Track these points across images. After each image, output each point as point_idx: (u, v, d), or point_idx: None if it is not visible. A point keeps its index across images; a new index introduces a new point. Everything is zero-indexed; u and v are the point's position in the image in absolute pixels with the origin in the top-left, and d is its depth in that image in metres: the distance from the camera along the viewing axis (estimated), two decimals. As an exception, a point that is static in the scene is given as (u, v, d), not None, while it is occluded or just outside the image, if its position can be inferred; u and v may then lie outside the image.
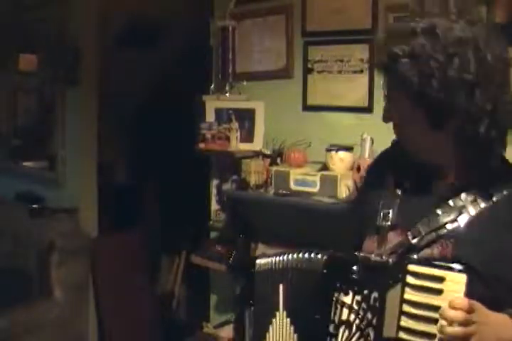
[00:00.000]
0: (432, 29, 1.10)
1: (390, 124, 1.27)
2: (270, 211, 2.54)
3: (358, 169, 2.17)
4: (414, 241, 1.19)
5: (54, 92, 3.51)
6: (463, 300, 1.03)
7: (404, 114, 1.18)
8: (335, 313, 1.16)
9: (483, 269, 1.10)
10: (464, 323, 1.02)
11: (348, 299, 1.15)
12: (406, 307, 1.08)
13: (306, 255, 1.24)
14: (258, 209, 2.59)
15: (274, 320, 1.27)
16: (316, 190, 2.23)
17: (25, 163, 3.89)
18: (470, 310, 1.02)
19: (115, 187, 4.07)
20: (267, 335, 1.28)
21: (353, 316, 1.14)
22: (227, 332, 2.55)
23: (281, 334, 1.25)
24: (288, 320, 1.24)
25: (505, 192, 1.17)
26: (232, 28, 2.65)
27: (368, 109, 2.28)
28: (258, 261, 1.32)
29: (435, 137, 1.18)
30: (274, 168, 2.39)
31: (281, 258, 1.28)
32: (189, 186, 3.62)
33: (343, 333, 1.15)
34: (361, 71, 2.30)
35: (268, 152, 2.52)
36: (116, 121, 4.11)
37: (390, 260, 1.16)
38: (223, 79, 2.68)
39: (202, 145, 2.63)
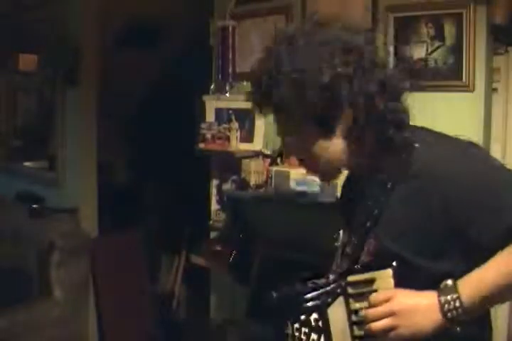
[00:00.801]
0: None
1: None
2: (270, 211, 2.54)
3: (358, 169, 2.17)
4: (350, 251, 1.25)
5: (54, 92, 3.51)
6: (375, 296, 1.09)
7: (302, 135, 1.19)
8: None
9: (399, 248, 1.13)
10: (382, 317, 1.07)
11: (289, 330, 1.22)
12: (354, 317, 1.14)
13: (274, 295, 1.29)
14: (258, 209, 2.59)
15: None
16: (316, 190, 2.23)
17: (25, 163, 3.89)
18: (384, 302, 1.07)
19: (115, 187, 4.07)
20: None
21: None
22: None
23: None
24: None
25: (408, 162, 1.17)
26: (232, 28, 2.65)
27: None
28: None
29: (332, 143, 1.19)
30: (274, 168, 2.39)
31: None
32: (189, 186, 3.62)
33: None
34: (361, 71, 2.30)
35: (268, 152, 2.52)
36: (116, 121, 4.11)
37: (330, 277, 1.22)
38: (223, 79, 2.68)
39: (202, 145, 2.64)
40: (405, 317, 1.06)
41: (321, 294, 1.19)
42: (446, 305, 1.05)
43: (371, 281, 1.11)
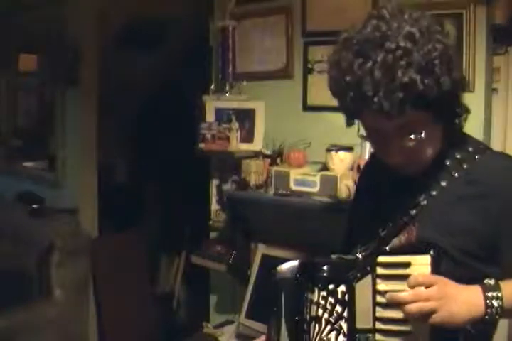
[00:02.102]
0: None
1: (357, 134, 1.28)
2: (270, 211, 2.54)
3: (358, 169, 2.17)
4: (383, 233, 1.24)
5: (54, 92, 3.51)
6: (415, 278, 1.07)
7: (416, 127, 1.15)
8: (306, 312, 1.21)
9: (449, 246, 1.14)
10: (421, 300, 1.05)
11: (314, 296, 1.19)
12: (379, 298, 1.12)
13: (288, 265, 1.30)
14: (258, 209, 2.59)
15: (282, 327, 1.31)
16: (316, 190, 2.23)
17: (25, 163, 3.89)
18: (428, 285, 1.06)
19: (115, 187, 4.07)
20: None
21: (321, 311, 1.18)
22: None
23: None
24: (284, 326, 1.29)
25: (465, 167, 1.20)
26: (232, 28, 2.64)
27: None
28: (278, 275, 1.36)
29: (437, 131, 1.19)
30: (274, 168, 2.38)
31: (285, 267, 1.33)
32: (189, 186, 3.62)
33: (313, 328, 1.19)
34: (361, 71, 2.30)
35: (268, 152, 2.52)
36: (116, 121, 4.11)
37: (360, 256, 1.21)
38: (223, 79, 2.68)
39: (202, 145, 2.63)
40: (446, 305, 1.05)
41: (351, 268, 1.17)
42: (489, 301, 1.07)
43: (406, 265, 1.10)
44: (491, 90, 2.12)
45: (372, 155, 1.47)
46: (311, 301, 1.19)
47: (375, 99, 1.07)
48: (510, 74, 2.12)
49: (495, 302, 1.07)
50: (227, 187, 2.70)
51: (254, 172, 2.47)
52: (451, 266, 1.12)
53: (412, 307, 1.05)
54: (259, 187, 2.45)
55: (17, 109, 4.00)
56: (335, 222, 2.27)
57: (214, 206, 2.83)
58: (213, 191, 2.83)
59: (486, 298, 1.07)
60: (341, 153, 2.24)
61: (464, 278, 1.12)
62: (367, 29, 1.11)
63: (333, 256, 1.25)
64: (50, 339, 2.96)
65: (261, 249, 2.51)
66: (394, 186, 1.29)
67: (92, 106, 3.42)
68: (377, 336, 1.12)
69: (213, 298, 2.94)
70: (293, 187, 2.29)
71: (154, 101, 4.19)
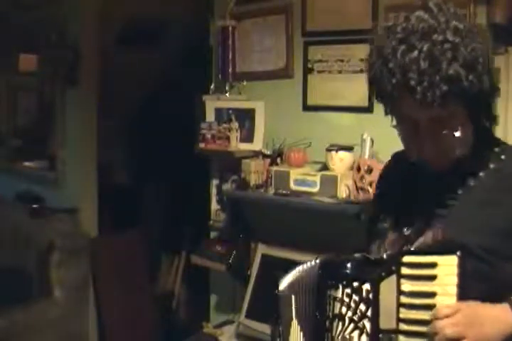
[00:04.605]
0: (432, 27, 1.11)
1: (390, 124, 1.26)
2: (270, 211, 2.54)
3: (358, 169, 2.17)
4: (407, 232, 1.22)
5: (54, 92, 3.51)
6: (442, 309, 1.05)
7: (451, 121, 1.14)
8: (329, 309, 1.19)
9: (475, 246, 1.12)
10: (450, 327, 1.03)
11: (338, 293, 1.18)
12: (404, 299, 1.10)
13: (308, 263, 1.29)
14: (258, 209, 2.59)
15: (291, 330, 1.31)
16: (316, 190, 2.23)
17: (25, 163, 3.89)
18: (454, 313, 1.04)
19: (115, 187, 4.07)
20: None
21: (344, 309, 1.17)
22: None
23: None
24: (299, 327, 1.28)
25: (491, 166, 1.20)
26: (232, 28, 2.65)
27: (368, 109, 2.28)
28: (280, 287, 1.36)
29: (470, 131, 1.19)
30: (274, 168, 2.38)
31: (292, 273, 1.34)
32: (189, 186, 3.62)
33: (336, 326, 1.17)
34: (361, 71, 2.30)
35: (268, 152, 2.52)
36: (116, 121, 4.11)
37: (385, 255, 1.19)
38: (223, 79, 2.68)
39: (202, 145, 2.63)
40: (475, 328, 1.04)
41: (375, 267, 1.15)
42: None
43: (432, 265, 1.08)
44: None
45: (393, 157, 1.45)
46: (335, 298, 1.18)
47: (419, 89, 1.07)
48: (510, 74, 2.12)
49: None
50: (227, 187, 2.70)
51: (254, 172, 2.47)
52: (478, 265, 1.11)
53: (442, 335, 1.04)
54: (259, 187, 2.45)
55: (17, 108, 4.00)
56: (335, 222, 2.28)
57: (214, 206, 2.83)
58: (213, 191, 2.83)
59: None
60: (341, 153, 2.23)
61: (491, 278, 1.11)
62: (412, 20, 1.12)
63: (357, 255, 1.24)
64: (50, 339, 2.96)
65: (261, 249, 2.51)
66: (419, 186, 1.28)
67: (92, 106, 3.42)
68: (401, 337, 1.10)
69: (213, 298, 2.94)
70: (293, 187, 2.29)
71: (154, 101, 4.19)
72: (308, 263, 1.29)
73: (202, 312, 3.03)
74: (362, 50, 2.29)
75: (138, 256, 3.59)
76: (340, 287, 1.17)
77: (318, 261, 1.26)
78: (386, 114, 1.23)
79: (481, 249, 1.13)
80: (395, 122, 1.21)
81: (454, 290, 1.06)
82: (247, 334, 2.43)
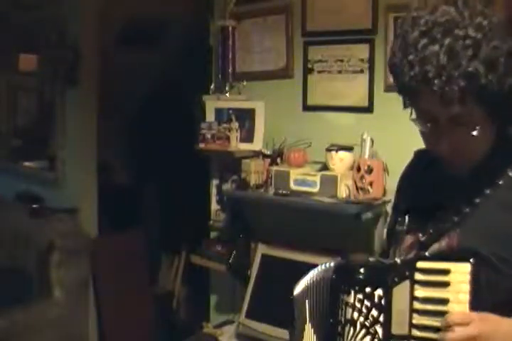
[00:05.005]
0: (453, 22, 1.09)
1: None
2: (270, 211, 2.54)
3: (358, 169, 2.17)
4: (423, 238, 1.21)
5: (54, 92, 3.51)
6: (452, 318, 1.03)
7: (470, 120, 1.12)
8: (341, 314, 1.18)
9: (492, 253, 1.11)
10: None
11: (350, 298, 1.17)
12: (417, 305, 1.09)
13: (323, 266, 1.28)
14: (258, 209, 2.59)
15: (304, 334, 1.30)
16: (316, 190, 2.23)
17: (25, 163, 3.89)
18: (466, 323, 1.02)
19: (115, 187, 4.07)
20: None
21: (356, 314, 1.16)
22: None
23: None
24: (312, 330, 1.28)
25: (510, 174, 1.17)
26: (232, 28, 2.64)
27: (368, 109, 2.28)
28: (295, 291, 1.35)
29: (490, 132, 1.16)
30: (274, 168, 2.38)
31: (307, 277, 1.32)
32: (189, 186, 3.62)
33: (348, 331, 1.17)
34: (361, 71, 2.30)
35: (268, 152, 2.52)
36: (116, 121, 4.11)
37: (398, 260, 1.17)
38: (223, 79, 2.68)
39: (202, 145, 2.63)
40: (488, 339, 1.03)
41: (389, 272, 1.14)
42: None
43: (445, 272, 1.07)
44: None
45: (416, 154, 1.42)
46: (347, 303, 1.18)
47: (437, 82, 1.06)
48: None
49: None
50: (227, 187, 2.70)
51: (254, 172, 2.47)
52: (492, 274, 1.10)
53: None
54: (259, 187, 2.45)
55: (17, 108, 4.00)
56: (335, 222, 2.28)
57: (214, 206, 2.83)
58: (213, 191, 2.83)
59: None
60: (341, 153, 2.23)
61: (504, 289, 1.10)
62: (437, 12, 1.11)
63: (371, 259, 1.24)
64: (50, 339, 2.96)
65: (261, 249, 2.51)
66: (437, 189, 1.27)
67: (92, 106, 3.42)
68: None
69: (213, 298, 2.94)
70: (293, 187, 2.29)
71: (154, 101, 4.19)
72: (323, 266, 1.28)
73: (202, 312, 3.03)
74: (362, 50, 2.29)
75: (138, 256, 3.59)
76: (352, 292, 1.17)
77: (332, 264, 1.26)
78: (405, 106, 1.22)
79: (495, 257, 1.11)
80: (414, 115, 1.20)
81: (466, 297, 1.05)
82: (247, 334, 2.43)
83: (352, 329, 1.16)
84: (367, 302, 1.15)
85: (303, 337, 1.30)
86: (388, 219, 1.51)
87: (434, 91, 1.07)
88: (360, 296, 1.16)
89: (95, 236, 3.47)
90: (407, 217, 1.29)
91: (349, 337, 1.16)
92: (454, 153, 1.16)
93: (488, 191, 1.18)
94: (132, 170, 4.42)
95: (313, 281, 1.30)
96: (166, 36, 4.07)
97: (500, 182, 1.18)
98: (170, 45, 4.09)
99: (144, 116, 4.24)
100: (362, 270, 1.19)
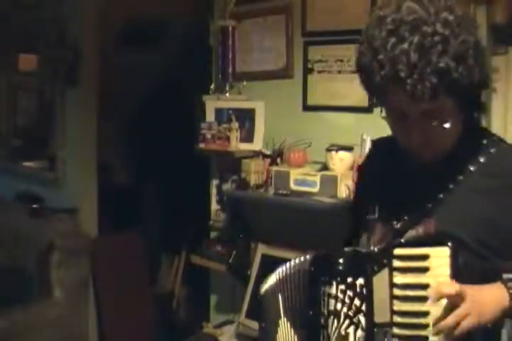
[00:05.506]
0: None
1: (380, 115, 1.27)
2: (270, 211, 2.54)
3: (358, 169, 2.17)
4: (398, 226, 1.23)
5: (54, 92, 3.51)
6: (438, 289, 1.05)
7: (441, 113, 1.14)
8: (323, 305, 1.19)
9: (468, 238, 1.13)
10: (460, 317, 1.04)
11: (332, 289, 1.18)
12: (396, 291, 1.11)
13: (297, 260, 1.29)
14: (258, 209, 2.59)
15: (278, 328, 1.30)
16: (316, 190, 2.23)
17: (25, 163, 3.89)
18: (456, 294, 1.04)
19: (115, 187, 4.07)
20: None
21: (339, 305, 1.17)
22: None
23: (287, 339, 1.28)
24: (288, 324, 1.28)
25: (481, 160, 1.20)
26: (232, 28, 2.65)
27: (368, 109, 2.27)
28: (263, 289, 1.37)
29: (459, 121, 1.18)
30: (274, 168, 2.38)
31: (277, 272, 1.33)
32: (189, 186, 3.62)
33: (332, 323, 1.17)
34: (361, 71, 2.30)
35: (268, 152, 2.52)
36: (116, 121, 4.11)
37: (376, 248, 1.19)
38: (223, 79, 2.68)
39: (202, 145, 2.63)
40: (475, 307, 1.05)
41: (368, 261, 1.16)
42: None
43: (424, 257, 1.09)
44: (491, 90, 2.12)
45: (374, 144, 1.45)
46: (329, 295, 1.18)
47: (409, 81, 1.07)
48: (510, 74, 2.12)
49: None
50: (227, 187, 2.70)
51: (254, 172, 2.47)
52: (470, 258, 1.11)
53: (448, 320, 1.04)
54: (259, 187, 2.45)
55: (17, 108, 4.00)
56: (335, 222, 2.28)
57: (214, 206, 2.83)
58: (213, 191, 2.83)
59: (509, 290, 1.08)
60: (341, 153, 2.24)
61: (482, 271, 1.12)
62: (402, 10, 1.11)
63: (348, 249, 1.24)
64: (50, 339, 2.96)
65: (261, 249, 2.51)
66: (405, 176, 1.28)
67: (92, 106, 3.42)
68: (395, 329, 1.10)
69: (213, 298, 2.94)
70: (293, 187, 2.29)
71: (154, 101, 4.19)
72: (297, 260, 1.28)
73: (202, 312, 3.03)
74: (362, 50, 2.29)
75: (138, 256, 3.59)
76: (334, 283, 1.18)
77: (308, 257, 1.26)
78: (375, 105, 1.23)
79: (473, 241, 1.14)
80: (384, 113, 1.21)
81: (447, 281, 1.07)
82: (247, 334, 2.43)
83: (336, 320, 1.17)
84: (349, 293, 1.16)
85: (277, 333, 1.30)
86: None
87: (405, 90, 1.08)
88: (342, 287, 1.17)
89: (95, 236, 3.47)
90: (376, 208, 1.29)
91: (333, 329, 1.17)
92: (425, 145, 1.18)
93: (460, 177, 1.19)
94: (132, 170, 4.42)
95: (286, 274, 1.30)
96: (166, 36, 4.07)
97: (472, 169, 1.19)
98: (170, 45, 4.09)
99: (144, 116, 4.24)
100: (341, 260, 1.19)
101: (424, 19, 1.08)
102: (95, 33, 3.38)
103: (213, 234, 2.87)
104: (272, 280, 1.35)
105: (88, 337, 3.29)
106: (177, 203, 4.10)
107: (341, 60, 2.36)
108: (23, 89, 3.95)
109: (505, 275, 1.10)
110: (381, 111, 1.23)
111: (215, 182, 2.82)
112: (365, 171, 1.49)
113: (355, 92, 2.32)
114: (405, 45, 1.07)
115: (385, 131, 1.33)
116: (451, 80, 1.08)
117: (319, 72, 2.43)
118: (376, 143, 1.44)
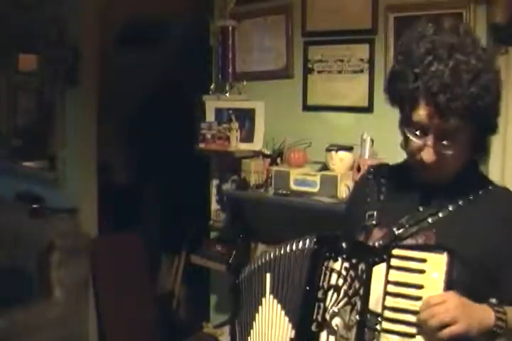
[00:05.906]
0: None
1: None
2: (270, 211, 2.54)
3: (358, 169, 2.17)
4: (399, 232, 1.27)
5: (54, 92, 3.51)
6: (432, 297, 1.10)
7: (458, 137, 1.20)
8: (324, 280, 1.21)
9: (464, 258, 1.17)
10: (443, 312, 1.08)
11: (337, 265, 1.21)
12: (390, 288, 1.15)
13: (295, 242, 1.35)
14: (258, 209, 2.59)
15: (260, 307, 1.32)
16: (316, 190, 2.23)
17: (25, 163, 3.89)
18: (445, 301, 1.09)
19: (115, 187, 4.07)
20: (254, 322, 1.33)
21: (341, 281, 1.20)
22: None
23: (270, 316, 1.30)
24: (275, 301, 1.29)
25: (480, 192, 1.27)
26: (232, 28, 2.65)
27: (368, 109, 2.28)
28: (243, 273, 1.42)
29: (467, 151, 1.25)
30: (274, 168, 2.39)
31: (266, 255, 1.38)
32: (189, 186, 3.62)
33: (331, 297, 1.20)
34: (361, 71, 2.30)
35: (268, 152, 2.52)
36: (116, 121, 4.10)
37: (377, 244, 1.25)
38: (223, 79, 2.68)
39: (202, 145, 2.64)
40: (465, 314, 1.10)
41: (369, 252, 1.20)
42: (498, 315, 1.14)
43: (421, 260, 1.13)
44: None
45: (369, 170, 1.49)
46: (332, 270, 1.20)
47: (442, 97, 1.14)
48: (510, 74, 2.12)
49: (502, 317, 1.14)
50: (227, 187, 2.70)
51: (254, 172, 2.48)
52: (464, 276, 1.15)
53: (434, 320, 1.09)
54: (259, 187, 2.45)
55: (17, 108, 4.00)
56: (335, 222, 2.27)
57: (214, 206, 2.83)
58: (213, 191, 2.83)
59: (494, 311, 1.14)
60: (341, 153, 2.24)
61: (471, 288, 1.16)
62: (441, 34, 1.20)
63: (351, 238, 1.30)
64: (50, 339, 2.96)
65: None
66: (405, 191, 1.33)
67: (92, 106, 3.42)
68: (384, 324, 1.14)
69: (213, 298, 2.94)
70: (293, 187, 2.29)
71: (154, 101, 4.18)
72: (298, 243, 1.34)
73: (202, 312, 3.03)
74: (362, 50, 2.29)
75: (138, 256, 3.59)
76: (340, 259, 1.21)
77: (312, 238, 1.32)
78: (402, 122, 1.27)
79: (471, 260, 1.18)
80: (404, 127, 1.26)
81: (441, 286, 1.11)
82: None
83: (336, 294, 1.19)
84: (352, 273, 1.19)
85: (257, 313, 1.32)
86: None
87: (438, 105, 1.14)
88: (346, 265, 1.20)
89: (95, 236, 3.47)
90: (375, 213, 1.34)
91: (331, 302, 1.19)
92: (434, 165, 1.22)
93: (460, 202, 1.26)
94: (132, 170, 4.42)
95: (280, 254, 1.34)
96: (166, 36, 4.06)
97: (471, 198, 1.26)
98: (170, 45, 4.09)
99: (144, 116, 4.24)
100: (344, 244, 1.23)
101: (459, 48, 1.17)
102: (95, 33, 3.37)
103: (213, 234, 2.87)
104: (255, 264, 1.38)
105: (88, 337, 3.29)
106: (177, 203, 4.09)
107: (341, 60, 2.36)
108: (23, 89, 3.95)
109: (490, 300, 1.18)
110: (400, 122, 1.28)
111: (215, 182, 2.82)
112: (357, 189, 1.56)
113: (355, 92, 2.33)
114: (441, 66, 1.15)
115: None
116: (478, 106, 1.15)
117: (319, 72, 2.43)
118: (373, 169, 1.49)
